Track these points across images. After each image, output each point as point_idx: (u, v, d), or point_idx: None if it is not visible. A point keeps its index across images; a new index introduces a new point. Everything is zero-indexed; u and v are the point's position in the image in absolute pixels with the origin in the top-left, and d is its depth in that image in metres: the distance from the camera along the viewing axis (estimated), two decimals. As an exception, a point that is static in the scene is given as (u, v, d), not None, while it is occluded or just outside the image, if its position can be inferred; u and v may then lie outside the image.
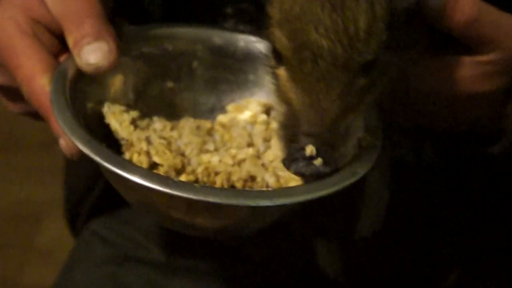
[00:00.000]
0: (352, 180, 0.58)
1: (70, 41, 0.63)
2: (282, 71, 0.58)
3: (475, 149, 0.75)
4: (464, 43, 0.66)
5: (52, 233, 1.79)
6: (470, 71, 0.67)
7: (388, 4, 0.59)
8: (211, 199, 0.53)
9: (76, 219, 0.96)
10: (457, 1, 0.64)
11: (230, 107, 0.70)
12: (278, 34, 0.57)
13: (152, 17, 0.78)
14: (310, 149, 0.55)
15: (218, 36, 0.70)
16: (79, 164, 0.88)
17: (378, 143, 0.62)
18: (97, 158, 0.55)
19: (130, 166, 0.55)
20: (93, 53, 0.62)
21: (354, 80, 0.57)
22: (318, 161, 0.56)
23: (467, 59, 0.67)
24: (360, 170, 0.59)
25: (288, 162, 0.57)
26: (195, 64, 0.70)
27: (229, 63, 0.70)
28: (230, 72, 0.70)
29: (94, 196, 0.92)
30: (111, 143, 0.63)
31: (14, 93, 0.68)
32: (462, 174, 0.83)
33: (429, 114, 0.70)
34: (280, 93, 0.59)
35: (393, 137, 0.76)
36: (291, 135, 0.58)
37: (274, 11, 0.58)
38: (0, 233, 1.85)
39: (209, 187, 0.59)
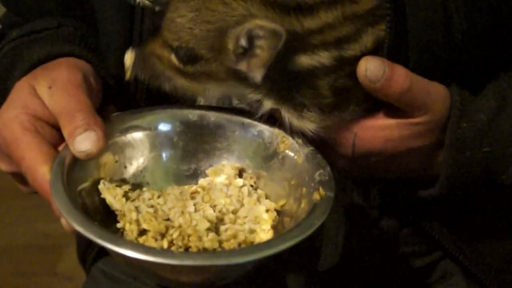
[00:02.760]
0: (311, 231, 0.66)
1: (65, 133, 0.71)
2: None
3: (412, 193, 0.82)
4: (398, 108, 0.74)
5: (71, 261, 1.89)
6: (405, 131, 0.75)
7: None
8: (188, 262, 0.61)
9: (86, 260, 1.05)
10: (393, 74, 0.71)
11: (209, 171, 0.79)
12: None
13: (138, 102, 0.86)
14: None
15: (192, 114, 0.79)
16: None
17: (331, 195, 0.71)
18: (89, 235, 0.63)
19: (115, 240, 0.63)
20: (84, 142, 0.69)
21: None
22: None
23: (402, 122, 0.75)
24: (317, 221, 0.67)
25: None
26: (175, 139, 0.79)
27: (203, 135, 0.79)
28: (205, 142, 0.79)
29: None
30: (109, 212, 0.72)
31: (22, 178, 0.75)
32: (404, 212, 0.90)
33: (372, 167, 0.78)
34: None
35: (345, 186, 0.87)
36: None
37: None
38: (27, 262, 2.03)
39: (185, 253, 0.66)
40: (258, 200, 0.76)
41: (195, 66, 0.73)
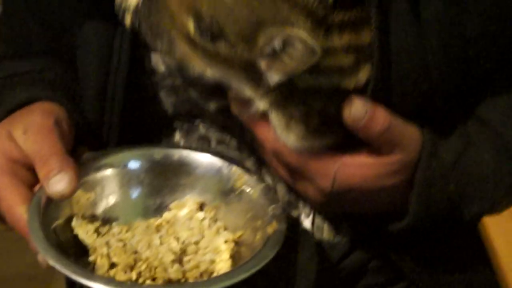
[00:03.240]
0: (264, 262, 0.73)
1: (40, 176, 0.77)
2: None
3: (381, 227, 0.85)
4: (375, 147, 0.77)
5: None
6: (381, 170, 0.78)
7: None
8: None
9: None
10: (374, 114, 0.74)
11: (172, 205, 0.85)
12: None
13: (111, 141, 0.91)
14: None
15: (157, 153, 0.86)
16: None
17: (283, 228, 0.77)
18: (64, 271, 0.70)
19: (88, 275, 0.69)
20: (58, 184, 0.75)
21: None
22: None
23: (379, 161, 0.78)
24: (270, 253, 0.74)
25: None
26: (142, 176, 0.86)
27: (167, 172, 0.86)
28: (169, 179, 0.86)
29: None
30: (82, 246, 0.78)
31: (2, 217, 0.80)
32: (373, 245, 0.93)
33: (347, 203, 0.81)
34: None
35: (314, 222, 0.91)
36: None
37: None
38: None
39: (152, 286, 0.73)
40: (218, 231, 0.82)
41: (212, 44, 0.72)
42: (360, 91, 0.75)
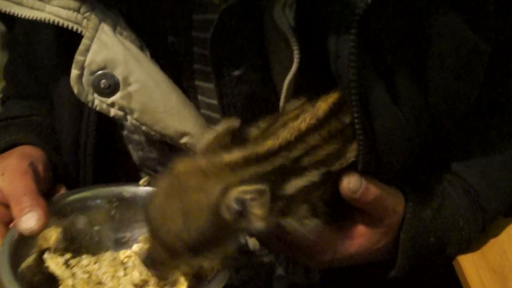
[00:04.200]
0: None
1: (13, 213, 0.83)
2: None
3: (373, 275, 0.92)
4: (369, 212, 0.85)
5: None
6: (375, 236, 0.86)
7: None
8: None
9: None
10: (368, 185, 0.82)
11: (141, 238, 0.91)
12: None
13: (86, 181, 0.98)
14: None
15: (126, 191, 0.92)
16: None
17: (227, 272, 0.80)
18: None
19: None
20: (28, 221, 0.81)
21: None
22: None
23: (373, 229, 0.86)
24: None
25: None
26: (113, 212, 0.92)
27: (136, 208, 0.91)
28: (138, 214, 0.91)
29: None
30: (53, 277, 0.84)
31: None
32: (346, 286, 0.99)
33: (340, 265, 0.89)
34: None
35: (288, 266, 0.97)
36: None
37: None
38: None
39: None
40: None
41: (205, 250, 0.75)
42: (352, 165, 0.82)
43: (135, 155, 0.99)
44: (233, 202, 0.72)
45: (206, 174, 0.74)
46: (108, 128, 0.97)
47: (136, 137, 0.97)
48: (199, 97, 0.91)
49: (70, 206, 0.90)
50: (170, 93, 0.87)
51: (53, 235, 0.87)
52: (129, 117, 0.88)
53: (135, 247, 0.91)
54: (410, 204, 0.87)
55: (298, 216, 0.79)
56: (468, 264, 0.91)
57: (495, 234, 0.94)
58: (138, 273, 0.86)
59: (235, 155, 0.76)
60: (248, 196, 0.72)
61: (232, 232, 0.76)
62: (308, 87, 0.82)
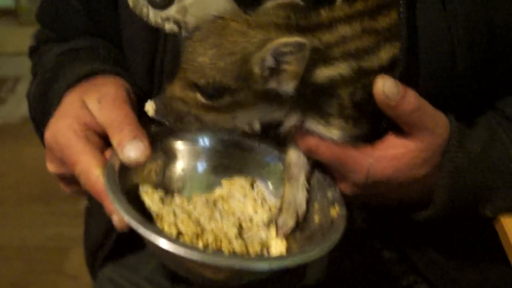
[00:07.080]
0: (328, 248, 0.74)
1: (114, 143, 0.79)
2: None
3: (405, 216, 0.86)
4: (405, 130, 0.79)
5: (77, 262, 2.13)
6: (412, 160, 0.79)
7: None
8: (222, 263, 0.69)
9: (93, 264, 1.09)
10: (406, 93, 0.76)
11: (224, 182, 0.87)
12: None
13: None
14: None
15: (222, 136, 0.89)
16: (96, 221, 1.04)
17: (345, 213, 0.78)
18: (149, 237, 0.69)
19: (170, 239, 0.70)
20: (132, 151, 0.77)
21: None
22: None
23: (409, 151, 0.79)
24: (334, 238, 0.75)
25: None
26: (206, 153, 0.88)
27: (231, 155, 0.88)
28: (231, 160, 0.88)
29: (108, 246, 1.04)
30: (145, 215, 0.79)
31: (69, 180, 0.83)
32: (388, 236, 0.95)
33: (378, 195, 0.83)
34: None
35: None
36: None
37: None
38: (38, 262, 2.22)
39: (219, 255, 0.74)
40: (270, 209, 0.84)
41: (224, 99, 0.75)
42: (388, 75, 0.77)
43: None
44: (269, 54, 0.72)
45: (251, 25, 0.75)
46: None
47: None
48: None
49: (160, 144, 0.87)
50: (226, 6, 0.84)
51: (146, 169, 0.84)
52: (183, 31, 0.84)
53: (218, 190, 0.87)
54: (456, 131, 0.80)
55: (324, 112, 0.77)
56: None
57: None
58: (233, 216, 0.83)
59: (280, 20, 0.76)
60: (287, 49, 0.72)
61: (251, 98, 0.75)
62: None
